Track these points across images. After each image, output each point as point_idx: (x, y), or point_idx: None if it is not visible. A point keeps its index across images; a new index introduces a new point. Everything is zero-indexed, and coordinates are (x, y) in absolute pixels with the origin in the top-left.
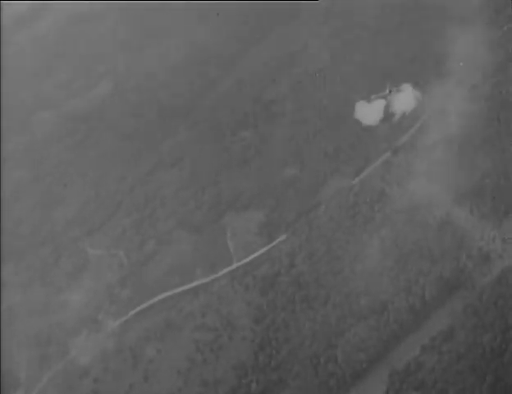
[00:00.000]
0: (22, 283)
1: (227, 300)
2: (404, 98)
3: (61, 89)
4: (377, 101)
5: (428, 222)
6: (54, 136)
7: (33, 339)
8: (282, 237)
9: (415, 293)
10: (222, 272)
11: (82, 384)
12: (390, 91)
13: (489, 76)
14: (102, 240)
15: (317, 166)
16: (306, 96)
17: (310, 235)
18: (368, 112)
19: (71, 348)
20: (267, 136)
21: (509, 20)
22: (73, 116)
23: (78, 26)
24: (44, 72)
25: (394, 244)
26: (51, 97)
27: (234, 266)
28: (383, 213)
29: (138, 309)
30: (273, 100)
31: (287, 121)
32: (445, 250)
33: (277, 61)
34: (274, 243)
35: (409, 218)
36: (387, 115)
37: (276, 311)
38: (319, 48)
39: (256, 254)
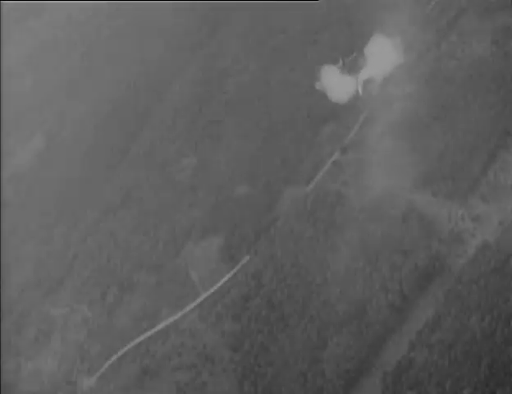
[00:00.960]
0: None
1: (200, 333)
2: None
3: None
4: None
5: (392, 214)
6: None
7: None
8: (245, 259)
9: (392, 289)
10: (190, 306)
11: None
12: (355, 55)
13: (425, 54)
14: (63, 297)
15: (267, 179)
16: (243, 110)
17: (274, 252)
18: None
19: None
20: (211, 158)
21: None
22: (10, 176)
23: None
24: None
25: (361, 244)
26: None
27: (201, 298)
28: (344, 215)
29: (111, 361)
30: (211, 120)
31: (229, 139)
32: (416, 240)
33: (208, 80)
34: (238, 266)
35: (372, 215)
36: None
37: (253, 335)
38: (248, 59)
39: (222, 281)
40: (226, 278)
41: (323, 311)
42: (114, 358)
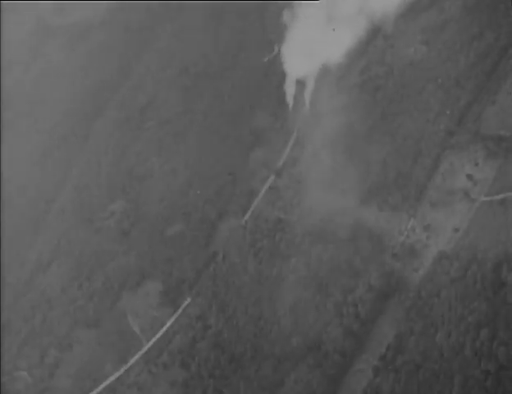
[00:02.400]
0: None
1: (148, 386)
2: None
3: None
4: None
5: (338, 235)
6: None
7: None
8: (187, 301)
9: (348, 314)
10: (134, 358)
11: None
12: (278, 50)
13: (352, 63)
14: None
15: (201, 214)
16: (168, 145)
17: (216, 290)
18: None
19: None
20: (140, 200)
21: None
22: None
23: None
24: None
25: (309, 270)
26: None
27: (145, 348)
28: (287, 242)
29: None
30: (136, 161)
31: (156, 177)
32: (367, 258)
33: (128, 118)
34: (180, 310)
35: (317, 238)
36: None
37: (205, 381)
38: (168, 90)
39: (165, 328)
40: (168, 324)
41: (277, 347)
42: None
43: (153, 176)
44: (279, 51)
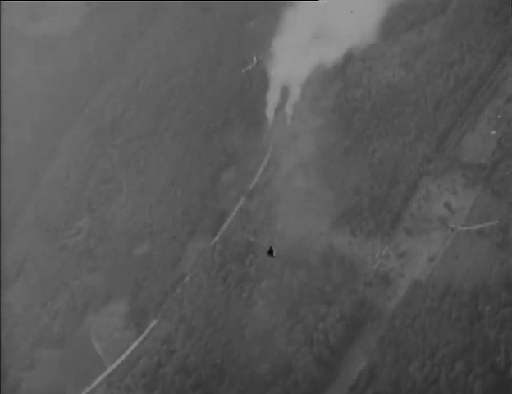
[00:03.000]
0: None
1: None
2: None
3: None
4: None
5: (310, 260)
6: None
7: None
8: (153, 323)
9: (318, 342)
10: (97, 381)
11: None
12: (257, 61)
13: (329, 84)
14: None
15: (169, 234)
16: (138, 161)
17: (183, 313)
18: None
19: None
20: (107, 218)
21: None
22: None
23: None
24: None
25: (279, 295)
26: None
27: (108, 371)
28: (257, 265)
29: None
30: (103, 177)
31: (125, 195)
32: (339, 285)
33: (98, 134)
34: (146, 332)
35: (289, 262)
36: None
37: None
38: (140, 105)
39: (129, 351)
40: (133, 347)
41: (244, 373)
42: None
43: (121, 193)
44: (257, 63)
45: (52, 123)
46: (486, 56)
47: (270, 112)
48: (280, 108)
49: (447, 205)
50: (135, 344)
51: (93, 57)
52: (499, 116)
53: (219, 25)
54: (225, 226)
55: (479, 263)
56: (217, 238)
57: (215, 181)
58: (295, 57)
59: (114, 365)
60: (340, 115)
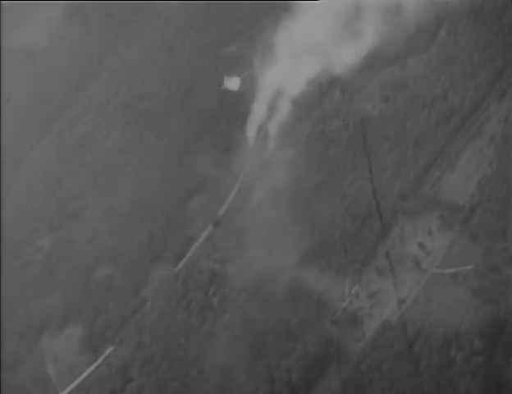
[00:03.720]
0: None
1: None
2: None
3: None
4: None
5: (277, 293)
6: None
7: None
8: (110, 349)
9: (280, 380)
10: None
11: None
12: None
13: (306, 113)
14: None
15: (132, 258)
16: (106, 182)
17: (142, 340)
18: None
19: None
20: (69, 237)
21: None
22: None
23: None
24: None
25: (242, 328)
26: None
27: None
28: (221, 296)
29: None
30: (68, 196)
31: (89, 215)
32: (305, 322)
33: (66, 150)
34: (101, 358)
35: (254, 295)
36: None
37: None
38: (110, 125)
39: (83, 376)
40: (87, 373)
41: None
42: None
43: (86, 213)
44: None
45: (21, 135)
46: (470, 94)
47: (250, 132)
48: (258, 132)
49: (421, 246)
50: (90, 370)
51: (66, 71)
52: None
53: (196, 48)
54: (190, 253)
55: (452, 309)
56: (181, 265)
57: (183, 207)
58: (274, 83)
59: (65, 391)
60: (315, 146)
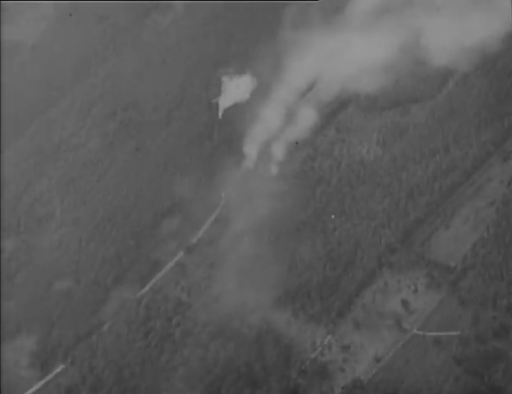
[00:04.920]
0: None
1: None
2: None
3: None
4: None
5: (243, 333)
6: None
7: None
8: (59, 368)
9: None
10: None
11: None
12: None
13: (296, 149)
14: None
15: (96, 275)
16: (78, 192)
17: (94, 363)
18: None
19: None
20: (34, 243)
21: None
22: None
23: None
24: None
25: (201, 366)
26: None
27: None
28: (184, 328)
29: None
30: (38, 199)
31: (57, 223)
32: (269, 367)
33: (40, 153)
34: (50, 376)
35: (219, 331)
36: None
37: None
38: (90, 133)
39: (29, 393)
40: (34, 389)
41: None
42: None
43: (53, 220)
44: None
45: None
46: (473, 151)
47: (236, 158)
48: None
49: (405, 303)
50: (37, 387)
51: (51, 71)
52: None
53: (189, 65)
54: (157, 278)
55: (431, 375)
56: (146, 289)
57: (155, 227)
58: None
59: None
60: (303, 182)
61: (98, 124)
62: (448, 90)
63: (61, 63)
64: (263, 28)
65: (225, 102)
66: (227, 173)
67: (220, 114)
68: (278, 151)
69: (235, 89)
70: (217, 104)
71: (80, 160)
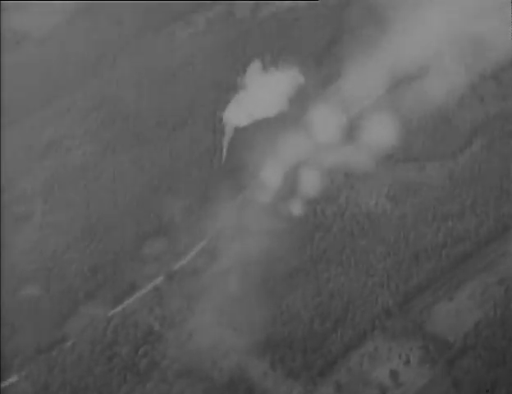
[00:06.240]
0: None
1: None
2: None
3: None
4: None
5: (214, 377)
6: None
7: None
8: (13, 378)
9: None
10: None
11: None
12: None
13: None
14: None
15: (67, 286)
16: (62, 195)
17: (50, 380)
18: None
19: None
20: (7, 243)
21: None
22: None
23: None
24: None
25: None
26: None
27: None
28: (151, 360)
29: None
30: (19, 197)
31: (34, 225)
32: None
33: (29, 150)
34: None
35: (187, 370)
36: None
37: None
38: (79, 143)
39: None
40: None
41: None
42: None
43: (32, 220)
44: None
45: None
46: (490, 222)
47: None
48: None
49: (393, 374)
50: None
51: (55, 66)
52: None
53: (199, 83)
54: (131, 300)
55: None
56: (117, 310)
57: (137, 247)
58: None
59: None
60: (302, 226)
61: (95, 129)
62: (471, 153)
63: (66, 61)
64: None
65: (230, 129)
66: (223, 202)
67: (224, 141)
68: (280, 187)
69: (243, 115)
70: (222, 130)
71: (70, 163)
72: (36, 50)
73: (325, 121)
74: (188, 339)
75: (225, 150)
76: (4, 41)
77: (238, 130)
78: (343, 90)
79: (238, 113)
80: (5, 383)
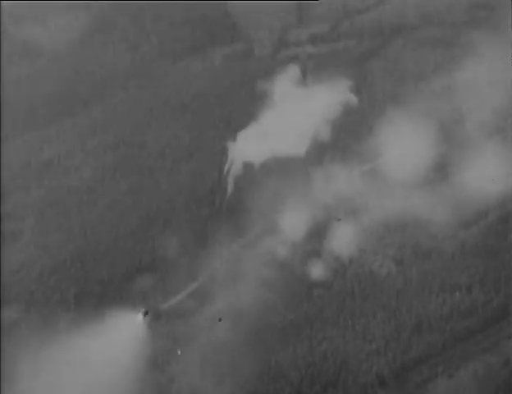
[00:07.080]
0: None
1: None
2: None
3: None
4: None
5: None
6: None
7: None
8: None
9: None
10: None
11: None
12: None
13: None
14: None
15: (48, 312)
16: (54, 217)
17: None
18: None
19: None
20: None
21: None
22: None
23: None
24: None
25: None
26: None
27: None
28: None
29: None
30: (11, 215)
31: (22, 244)
32: None
33: (26, 167)
34: None
35: None
36: None
37: None
38: (78, 164)
39: None
40: None
41: None
42: None
43: (20, 240)
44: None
45: None
46: (500, 299)
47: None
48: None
49: None
50: None
51: (65, 85)
52: None
53: (212, 119)
54: None
55: None
56: None
57: (125, 281)
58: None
59: None
60: (300, 279)
61: (97, 153)
62: (486, 225)
63: (76, 80)
64: None
65: (238, 165)
66: (220, 244)
67: (230, 178)
68: (283, 235)
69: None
70: (230, 165)
71: (66, 185)
72: (46, 65)
73: None
74: (168, 384)
75: (230, 188)
76: (14, 54)
77: (248, 167)
78: None
79: (250, 146)
80: None
